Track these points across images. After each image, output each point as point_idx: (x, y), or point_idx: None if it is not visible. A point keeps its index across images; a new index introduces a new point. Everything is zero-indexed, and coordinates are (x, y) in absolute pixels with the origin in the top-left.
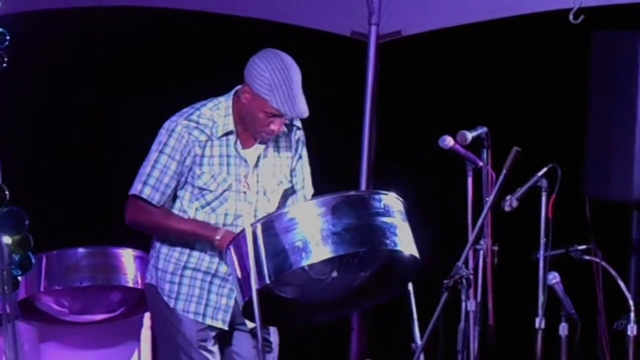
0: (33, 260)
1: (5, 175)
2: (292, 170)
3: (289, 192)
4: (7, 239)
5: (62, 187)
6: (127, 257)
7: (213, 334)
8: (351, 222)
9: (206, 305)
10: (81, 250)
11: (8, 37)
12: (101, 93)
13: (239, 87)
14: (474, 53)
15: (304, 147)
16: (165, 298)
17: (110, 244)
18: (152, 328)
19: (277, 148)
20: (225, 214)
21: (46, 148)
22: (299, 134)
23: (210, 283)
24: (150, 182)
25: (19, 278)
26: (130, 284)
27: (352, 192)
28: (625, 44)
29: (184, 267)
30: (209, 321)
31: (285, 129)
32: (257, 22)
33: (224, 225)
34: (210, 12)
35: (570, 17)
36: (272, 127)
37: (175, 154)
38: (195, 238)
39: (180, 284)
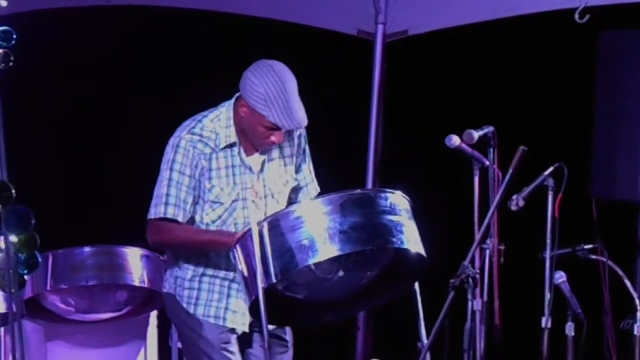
0: (39, 259)
1: (11, 174)
2: (297, 167)
3: (297, 188)
4: (13, 238)
5: (68, 186)
6: (133, 255)
7: (235, 336)
8: (358, 220)
9: (226, 308)
10: (87, 249)
11: (15, 36)
12: (106, 92)
13: (238, 94)
14: (480, 52)
15: (306, 142)
16: (185, 305)
17: (116, 242)
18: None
19: (281, 149)
20: (235, 224)
21: (52, 146)
22: (300, 130)
23: (229, 287)
24: (172, 201)
25: (25, 277)
26: (137, 283)
27: (359, 191)
28: (631, 43)
29: (202, 274)
30: (229, 324)
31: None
32: (263, 21)
33: None
34: (215, 10)
35: (576, 16)
36: (273, 138)
37: (185, 169)
38: (215, 247)
39: (199, 289)
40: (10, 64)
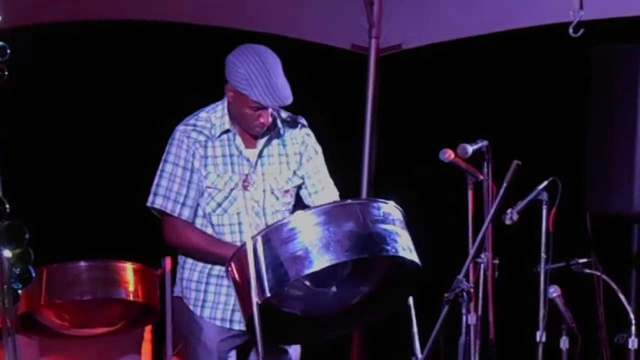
0: (33, 274)
1: (5, 188)
2: (300, 166)
3: (313, 191)
4: (7, 253)
5: (62, 201)
6: (128, 270)
7: (238, 342)
8: (351, 229)
9: (233, 310)
10: (82, 263)
11: (9, 51)
12: (101, 107)
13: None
14: (474, 66)
15: (316, 144)
16: (192, 307)
17: (111, 257)
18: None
19: (284, 146)
20: (238, 213)
21: (46, 161)
22: (305, 131)
23: None
24: (160, 192)
25: (20, 292)
26: (131, 298)
27: (351, 201)
28: (626, 58)
29: (209, 275)
30: (236, 326)
31: (281, 125)
32: (258, 35)
33: (239, 224)
34: (211, 25)
35: (570, 30)
36: (261, 120)
37: (178, 160)
38: (223, 261)
39: (206, 291)
40: (5, 78)
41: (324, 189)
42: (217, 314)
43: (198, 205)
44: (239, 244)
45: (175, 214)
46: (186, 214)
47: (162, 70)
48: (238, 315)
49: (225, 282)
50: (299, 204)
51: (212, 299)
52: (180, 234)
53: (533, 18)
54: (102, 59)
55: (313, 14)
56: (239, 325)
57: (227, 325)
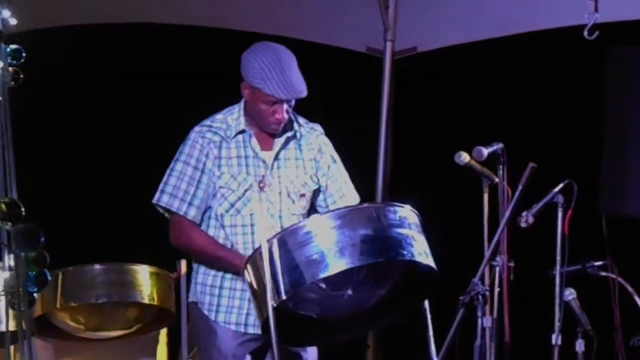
0: (49, 277)
1: (21, 191)
2: (317, 172)
3: (328, 203)
4: (23, 256)
5: (78, 204)
6: (143, 273)
7: (253, 347)
8: (367, 233)
9: (247, 314)
10: (97, 266)
11: (24, 54)
12: (114, 109)
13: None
14: (489, 69)
15: (334, 153)
16: (206, 312)
17: (126, 260)
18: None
19: (300, 150)
20: (251, 214)
21: (62, 164)
22: (322, 139)
23: None
24: (168, 189)
25: (35, 295)
26: (146, 301)
27: (367, 204)
28: None
29: (222, 279)
30: (251, 330)
31: (298, 129)
32: (273, 38)
33: (251, 225)
34: (225, 28)
35: (585, 33)
36: (277, 115)
37: (190, 159)
38: (226, 265)
39: (220, 296)
40: (20, 81)
41: (342, 197)
42: (231, 318)
43: (210, 207)
44: (251, 245)
45: (181, 213)
46: (192, 213)
47: (177, 72)
48: (252, 319)
49: (239, 285)
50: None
51: (226, 303)
52: (185, 234)
53: (548, 21)
54: (116, 61)
55: (328, 16)
56: (254, 329)
57: (242, 329)
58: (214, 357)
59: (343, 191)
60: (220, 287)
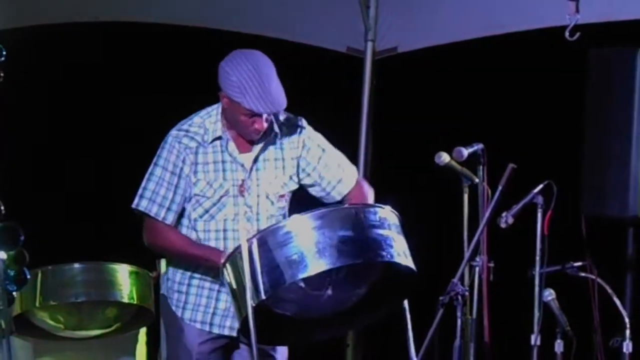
0: (28, 276)
1: (0, 189)
2: (305, 168)
3: (328, 190)
4: (2, 254)
5: (57, 202)
6: (123, 272)
7: (218, 345)
8: (347, 234)
9: (213, 314)
10: (77, 265)
11: (5, 53)
12: (97, 108)
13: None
14: (470, 69)
15: (320, 141)
16: (174, 308)
17: (105, 259)
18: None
19: (281, 149)
20: (225, 220)
21: (42, 163)
22: (305, 134)
23: (218, 291)
24: (147, 194)
25: (14, 293)
26: (126, 300)
27: (347, 205)
28: (622, 61)
29: (191, 277)
30: (216, 330)
31: (278, 129)
32: (253, 37)
33: (224, 230)
34: (206, 27)
35: (566, 34)
36: (256, 126)
37: (167, 164)
38: (204, 263)
39: (187, 293)
40: (0, 80)
41: (340, 182)
42: (197, 317)
43: (183, 209)
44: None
45: (160, 218)
46: (170, 218)
47: (160, 72)
48: (218, 319)
49: (207, 284)
50: (314, 204)
51: (193, 301)
52: (161, 237)
53: (529, 21)
54: (100, 60)
55: (309, 16)
56: (219, 329)
57: (207, 328)
58: (180, 352)
59: (339, 175)
60: (189, 285)
